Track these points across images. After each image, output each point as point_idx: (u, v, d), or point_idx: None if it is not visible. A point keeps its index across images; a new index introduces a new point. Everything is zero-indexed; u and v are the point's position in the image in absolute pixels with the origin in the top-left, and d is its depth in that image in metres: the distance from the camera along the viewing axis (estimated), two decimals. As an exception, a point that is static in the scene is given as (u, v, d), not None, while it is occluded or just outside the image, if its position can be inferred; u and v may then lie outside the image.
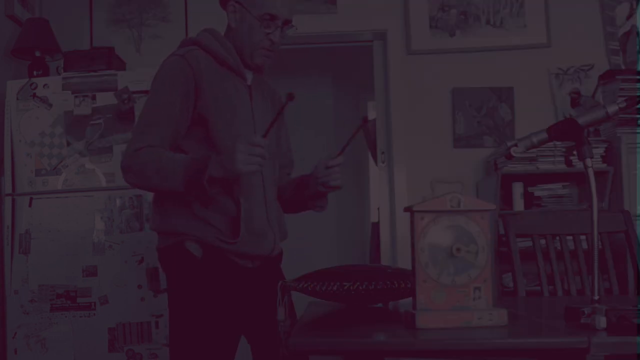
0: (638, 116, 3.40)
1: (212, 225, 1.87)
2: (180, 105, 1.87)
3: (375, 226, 4.81)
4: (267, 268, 2.01)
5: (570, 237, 2.26)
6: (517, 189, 3.59)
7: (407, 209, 1.39)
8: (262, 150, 1.77)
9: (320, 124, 5.91)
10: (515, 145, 1.49)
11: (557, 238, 2.26)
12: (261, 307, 1.95)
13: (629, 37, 3.88)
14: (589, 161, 1.44)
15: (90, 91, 3.25)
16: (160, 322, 3.12)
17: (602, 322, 1.27)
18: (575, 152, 3.36)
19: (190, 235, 1.88)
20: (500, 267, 3.50)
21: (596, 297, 1.39)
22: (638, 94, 3.37)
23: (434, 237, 1.37)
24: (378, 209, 4.29)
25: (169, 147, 1.88)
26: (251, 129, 1.97)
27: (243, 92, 1.99)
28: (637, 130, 3.39)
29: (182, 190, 1.80)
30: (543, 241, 2.31)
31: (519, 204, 3.57)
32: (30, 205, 3.21)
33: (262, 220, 1.97)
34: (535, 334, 1.29)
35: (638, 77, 3.42)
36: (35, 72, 3.46)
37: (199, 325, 1.86)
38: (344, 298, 1.65)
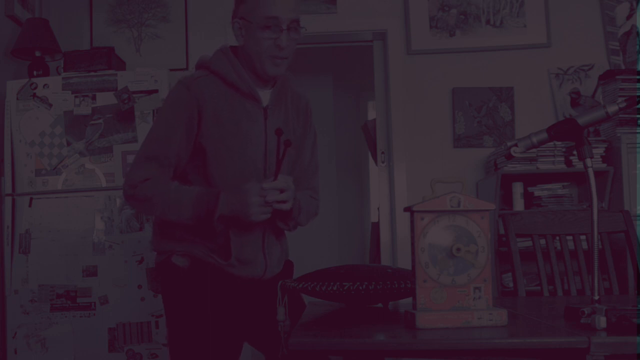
0: (638, 116, 3.40)
1: (203, 245, 1.88)
2: (184, 135, 1.86)
3: (375, 226, 4.81)
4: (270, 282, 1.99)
5: (570, 237, 2.26)
6: (517, 189, 3.59)
7: (407, 209, 1.39)
8: (273, 197, 1.78)
9: (320, 124, 5.91)
10: (515, 145, 1.49)
11: (557, 238, 2.26)
12: (264, 313, 1.90)
13: (629, 37, 3.88)
14: (589, 161, 1.44)
15: (90, 91, 3.25)
16: (160, 322, 3.12)
17: (602, 322, 1.27)
18: (575, 152, 3.37)
19: (178, 251, 1.89)
20: (500, 267, 3.50)
21: (596, 297, 1.39)
22: (638, 94, 3.37)
23: (434, 237, 1.37)
24: (378, 208, 4.29)
25: (172, 176, 1.88)
26: (261, 155, 1.91)
27: (257, 116, 1.92)
28: (637, 130, 3.39)
29: (190, 224, 1.83)
30: (543, 241, 2.31)
31: (519, 204, 3.58)
32: (30, 205, 3.21)
33: (255, 249, 1.93)
34: (535, 334, 1.29)
35: (638, 77, 3.42)
36: (35, 72, 3.46)
37: (194, 334, 1.85)
38: (344, 298, 1.65)
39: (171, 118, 1.89)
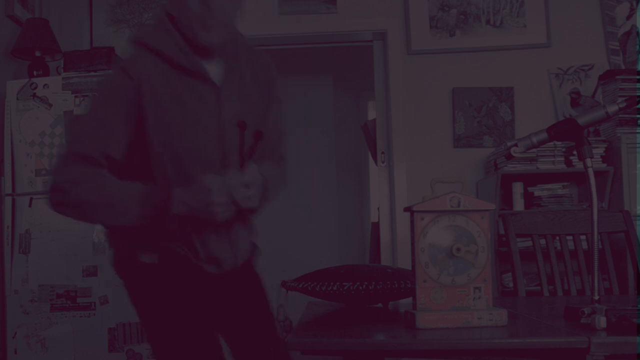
0: (638, 116, 3.40)
1: (167, 242, 1.70)
2: (122, 125, 1.59)
3: (375, 226, 4.81)
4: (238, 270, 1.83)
5: (570, 237, 2.26)
6: (517, 189, 3.59)
7: (407, 209, 1.39)
8: (240, 194, 1.55)
9: (320, 124, 5.91)
10: (515, 145, 1.49)
11: (557, 238, 2.26)
12: (234, 306, 1.80)
13: (629, 37, 3.88)
14: (589, 161, 1.44)
15: (90, 91, 3.25)
16: (160, 322, 3.12)
17: (602, 322, 1.27)
18: (575, 152, 3.37)
19: (142, 245, 1.68)
20: (500, 267, 3.50)
21: (596, 297, 1.39)
22: (638, 94, 3.37)
23: (434, 237, 1.37)
24: (378, 208, 4.29)
25: (109, 174, 1.61)
26: (216, 143, 1.66)
27: (207, 97, 1.65)
28: (637, 130, 3.39)
29: (139, 225, 1.57)
30: (543, 241, 2.31)
31: (519, 204, 3.58)
32: (30, 205, 3.21)
33: (224, 247, 1.73)
34: (535, 334, 1.29)
35: (638, 77, 3.42)
36: (35, 72, 3.46)
37: (176, 333, 1.65)
38: (344, 298, 1.65)
39: (105, 106, 1.60)
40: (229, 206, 1.56)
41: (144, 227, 1.59)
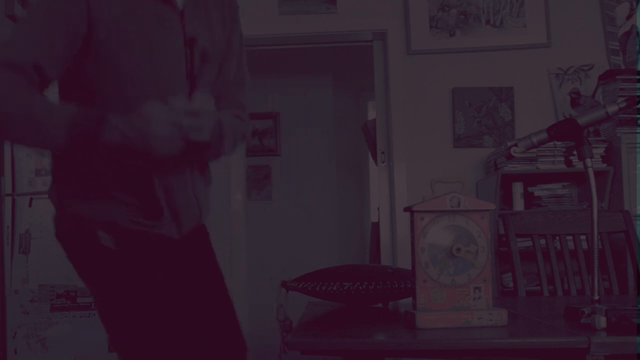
0: (638, 116, 3.40)
1: (127, 205, 1.49)
2: (62, 37, 1.39)
3: (375, 226, 4.81)
4: (193, 240, 1.67)
5: (570, 237, 2.26)
6: (517, 189, 3.59)
7: (407, 209, 1.39)
8: (187, 122, 1.35)
9: (320, 124, 5.92)
10: (515, 145, 1.49)
11: (557, 238, 2.26)
12: (193, 285, 1.62)
13: (629, 37, 3.88)
14: (589, 161, 1.44)
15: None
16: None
17: (602, 322, 1.27)
18: (575, 152, 3.37)
19: (101, 221, 1.48)
20: (500, 267, 3.50)
21: (596, 297, 1.39)
22: (638, 94, 3.37)
23: (434, 237, 1.37)
24: (378, 209, 4.29)
25: (39, 82, 1.39)
26: (181, 72, 1.50)
27: (170, 22, 1.49)
28: (637, 130, 3.39)
29: (60, 150, 1.39)
30: (543, 241, 2.31)
31: (519, 204, 3.58)
32: (30, 205, 3.21)
33: (187, 196, 1.57)
34: (535, 334, 1.29)
35: (638, 77, 3.42)
36: (35, 72, 3.46)
37: (150, 327, 1.47)
38: (344, 298, 1.65)
39: (48, 14, 1.40)
40: (174, 140, 1.36)
41: (91, 168, 1.45)
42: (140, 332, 1.46)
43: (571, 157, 3.49)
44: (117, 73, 1.43)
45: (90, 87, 1.45)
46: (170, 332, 1.46)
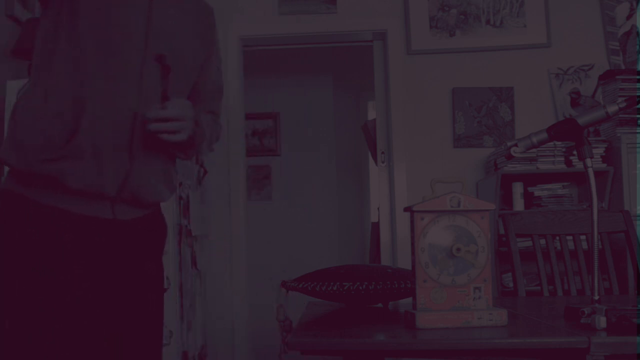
0: (638, 116, 3.40)
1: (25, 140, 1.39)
2: None
3: (375, 226, 4.81)
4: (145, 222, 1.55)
5: (570, 237, 2.26)
6: (517, 189, 3.59)
7: (407, 209, 1.39)
8: (157, 128, 1.41)
9: (320, 124, 5.92)
10: (515, 145, 1.49)
11: (557, 238, 2.26)
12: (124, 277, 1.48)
13: (629, 37, 3.88)
14: (589, 161, 1.44)
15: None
16: (160, 322, 3.12)
17: (602, 322, 1.27)
18: (575, 152, 3.37)
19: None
20: (500, 267, 3.50)
21: (596, 297, 1.39)
22: (638, 94, 3.37)
23: (434, 237, 1.37)
24: (378, 209, 4.29)
25: None
26: (139, 51, 1.46)
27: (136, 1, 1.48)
28: (637, 130, 3.39)
29: None
30: (543, 241, 2.31)
31: (519, 204, 3.58)
32: None
33: (122, 140, 1.45)
34: (535, 334, 1.29)
35: (638, 77, 3.42)
36: (35, 72, 3.46)
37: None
38: (344, 298, 1.65)
39: None
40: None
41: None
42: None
43: (571, 157, 3.49)
44: (77, 52, 1.42)
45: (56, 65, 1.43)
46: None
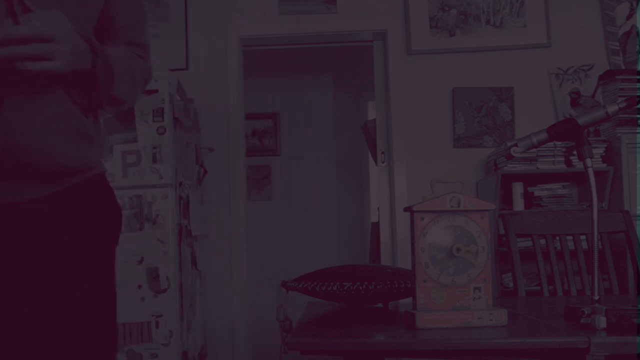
0: (638, 116, 3.40)
1: None
2: None
3: (375, 226, 4.81)
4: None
5: (570, 237, 2.26)
6: (517, 189, 3.59)
7: (407, 209, 1.39)
8: (8, 52, 1.01)
9: (320, 124, 5.92)
10: (515, 145, 1.49)
11: (557, 238, 2.26)
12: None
13: (629, 37, 3.88)
14: (589, 161, 1.44)
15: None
16: (160, 322, 3.12)
17: (602, 322, 1.27)
18: (575, 152, 3.37)
19: None
20: (500, 267, 3.50)
21: (596, 297, 1.39)
22: (638, 94, 3.37)
23: (434, 237, 1.37)
24: (378, 209, 4.30)
25: None
26: None
27: None
28: (637, 130, 3.39)
29: None
30: (543, 241, 2.31)
31: (519, 204, 3.58)
32: (30, 205, 3.21)
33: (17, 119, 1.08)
34: (535, 334, 1.29)
35: (638, 77, 3.42)
36: (35, 72, 3.46)
37: None
38: (344, 298, 1.65)
39: None
40: None
41: None
42: None
43: (571, 157, 3.49)
44: None
45: None
46: None
